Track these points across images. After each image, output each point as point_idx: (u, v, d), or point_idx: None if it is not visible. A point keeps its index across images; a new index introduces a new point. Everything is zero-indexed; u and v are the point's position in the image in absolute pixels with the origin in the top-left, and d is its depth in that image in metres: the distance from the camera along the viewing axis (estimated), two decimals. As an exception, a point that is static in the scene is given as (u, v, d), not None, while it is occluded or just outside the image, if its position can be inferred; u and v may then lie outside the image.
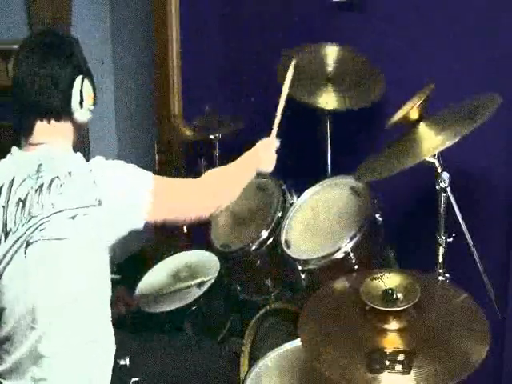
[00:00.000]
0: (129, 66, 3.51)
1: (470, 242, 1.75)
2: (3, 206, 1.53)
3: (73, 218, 1.49)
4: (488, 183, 2.21)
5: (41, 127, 1.60)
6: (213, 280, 2.28)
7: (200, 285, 2.29)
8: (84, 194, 1.51)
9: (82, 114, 1.62)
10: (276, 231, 2.17)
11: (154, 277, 2.43)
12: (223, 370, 1.88)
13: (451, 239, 1.77)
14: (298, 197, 2.25)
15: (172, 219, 1.71)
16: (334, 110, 2.28)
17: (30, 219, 1.51)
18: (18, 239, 1.51)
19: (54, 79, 1.58)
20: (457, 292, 1.63)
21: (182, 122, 2.84)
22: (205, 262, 2.40)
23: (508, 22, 2.09)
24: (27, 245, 1.50)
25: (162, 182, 1.66)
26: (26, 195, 1.52)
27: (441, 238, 1.76)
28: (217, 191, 1.80)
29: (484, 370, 1.40)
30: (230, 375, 1.96)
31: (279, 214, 2.21)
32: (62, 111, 1.60)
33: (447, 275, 1.78)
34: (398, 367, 1.37)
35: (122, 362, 1.65)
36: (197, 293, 2.26)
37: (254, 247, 2.18)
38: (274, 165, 1.99)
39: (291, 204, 2.24)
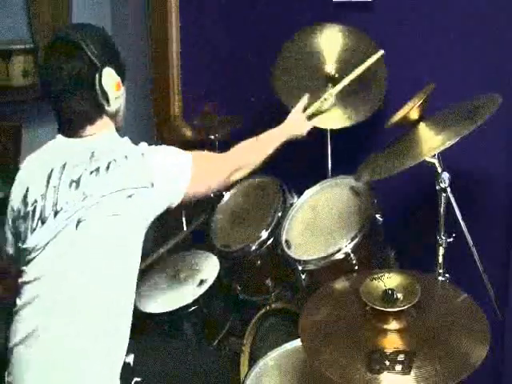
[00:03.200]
0: (129, 66, 3.50)
1: (470, 242, 1.75)
2: (54, 187, 1.62)
3: (130, 196, 1.60)
4: (488, 183, 2.21)
5: (80, 129, 1.68)
6: (212, 280, 2.28)
7: (200, 285, 2.29)
8: (139, 176, 1.63)
9: (111, 106, 1.67)
10: (276, 231, 2.17)
11: (154, 277, 2.43)
12: (223, 370, 1.89)
13: (451, 239, 1.77)
14: (298, 197, 2.25)
15: (204, 191, 1.83)
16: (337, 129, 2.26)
17: (85, 198, 1.59)
18: (70, 217, 1.58)
19: (76, 90, 1.63)
20: (457, 292, 1.63)
21: (182, 122, 2.84)
22: (205, 262, 2.40)
23: (509, 21, 2.09)
24: (78, 222, 1.58)
25: (200, 161, 1.78)
26: (80, 177, 1.61)
27: (441, 238, 1.76)
28: (244, 164, 1.96)
29: (484, 370, 1.40)
30: (229, 375, 1.96)
31: (279, 214, 2.21)
32: (93, 116, 1.67)
33: (447, 275, 1.78)
34: (398, 367, 1.37)
35: (126, 360, 1.65)
36: (197, 293, 2.26)
37: (254, 247, 2.18)
38: (307, 131, 2.14)
39: (291, 204, 2.24)
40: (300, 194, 2.25)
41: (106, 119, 1.70)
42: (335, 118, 2.26)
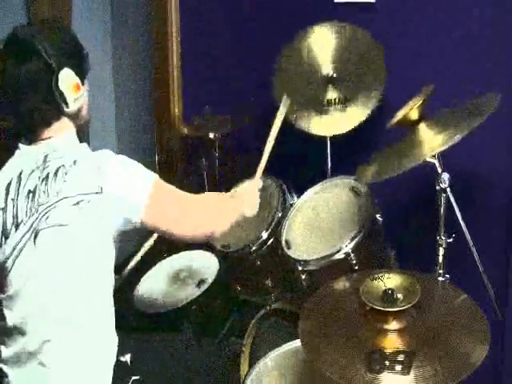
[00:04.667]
0: (129, 66, 3.51)
1: (470, 242, 1.75)
2: (13, 199, 1.57)
3: (77, 204, 1.52)
4: (488, 183, 2.21)
5: (38, 132, 1.61)
6: (212, 280, 2.28)
7: (199, 284, 2.29)
8: (88, 181, 1.54)
9: (70, 108, 1.59)
10: (276, 231, 2.17)
11: (154, 277, 2.43)
12: (223, 370, 1.88)
13: (451, 239, 1.77)
14: (298, 197, 2.25)
15: (166, 227, 1.66)
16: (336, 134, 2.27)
17: (38, 208, 1.54)
18: (29, 229, 1.54)
19: (28, 93, 1.55)
20: (457, 292, 1.63)
21: (182, 122, 2.84)
22: (205, 262, 2.40)
23: (509, 21, 2.09)
24: (36, 233, 1.53)
25: (163, 187, 1.65)
26: (35, 186, 1.56)
27: (441, 238, 1.77)
28: (213, 214, 1.75)
29: (484, 370, 1.40)
30: (229, 375, 1.96)
31: (279, 215, 2.21)
32: (49, 118, 1.59)
33: (447, 275, 1.78)
34: (398, 367, 1.37)
35: (122, 359, 1.65)
36: (196, 292, 2.26)
37: (254, 248, 2.18)
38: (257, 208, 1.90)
39: (291, 204, 2.24)
40: (300, 193, 2.25)
41: (64, 121, 1.62)
42: (335, 124, 2.26)
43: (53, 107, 1.58)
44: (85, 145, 1.65)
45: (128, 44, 3.49)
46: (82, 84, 1.62)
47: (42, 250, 1.54)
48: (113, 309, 1.64)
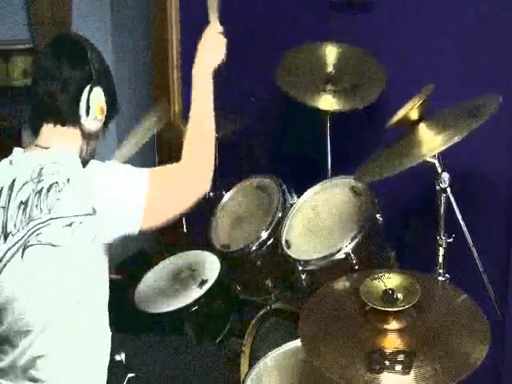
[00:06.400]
0: (129, 67, 3.51)
1: (470, 242, 1.75)
2: (3, 208, 1.54)
3: (69, 225, 1.50)
4: (488, 183, 2.21)
5: (46, 130, 1.63)
6: (213, 280, 2.28)
7: (200, 285, 2.29)
8: (80, 203, 1.51)
9: (88, 122, 1.62)
10: (276, 231, 2.17)
11: (155, 277, 2.44)
12: (223, 370, 1.88)
13: (451, 239, 1.77)
14: (298, 197, 2.25)
15: (172, 213, 1.65)
16: (333, 111, 2.28)
17: (30, 222, 1.51)
18: (18, 241, 1.51)
19: (63, 84, 1.61)
20: (457, 292, 1.63)
21: (182, 122, 2.84)
22: (205, 262, 2.40)
23: (508, 21, 2.09)
24: (25, 247, 1.51)
25: (157, 178, 1.64)
26: (28, 198, 1.53)
27: (441, 238, 1.76)
28: (204, 161, 1.74)
29: (484, 370, 1.40)
30: (229, 375, 1.96)
31: (279, 215, 2.21)
32: (68, 116, 1.62)
33: (447, 275, 1.78)
34: (398, 367, 1.37)
35: (117, 358, 1.65)
36: (197, 293, 2.26)
37: (254, 248, 2.18)
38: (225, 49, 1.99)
39: (291, 204, 2.24)
40: (300, 194, 2.25)
41: (75, 130, 1.64)
42: (335, 102, 2.27)
43: (75, 111, 1.62)
44: (79, 162, 1.61)
45: (128, 44, 3.49)
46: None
47: (31, 265, 1.51)
48: (106, 317, 1.64)
